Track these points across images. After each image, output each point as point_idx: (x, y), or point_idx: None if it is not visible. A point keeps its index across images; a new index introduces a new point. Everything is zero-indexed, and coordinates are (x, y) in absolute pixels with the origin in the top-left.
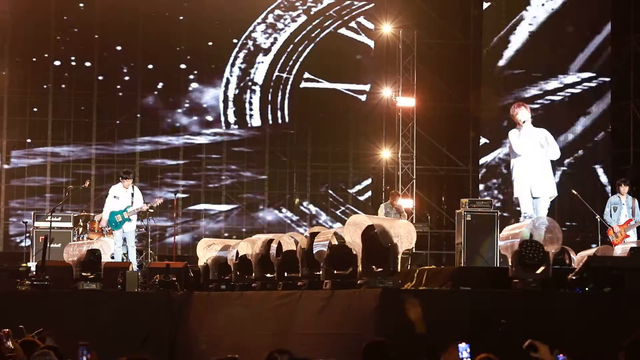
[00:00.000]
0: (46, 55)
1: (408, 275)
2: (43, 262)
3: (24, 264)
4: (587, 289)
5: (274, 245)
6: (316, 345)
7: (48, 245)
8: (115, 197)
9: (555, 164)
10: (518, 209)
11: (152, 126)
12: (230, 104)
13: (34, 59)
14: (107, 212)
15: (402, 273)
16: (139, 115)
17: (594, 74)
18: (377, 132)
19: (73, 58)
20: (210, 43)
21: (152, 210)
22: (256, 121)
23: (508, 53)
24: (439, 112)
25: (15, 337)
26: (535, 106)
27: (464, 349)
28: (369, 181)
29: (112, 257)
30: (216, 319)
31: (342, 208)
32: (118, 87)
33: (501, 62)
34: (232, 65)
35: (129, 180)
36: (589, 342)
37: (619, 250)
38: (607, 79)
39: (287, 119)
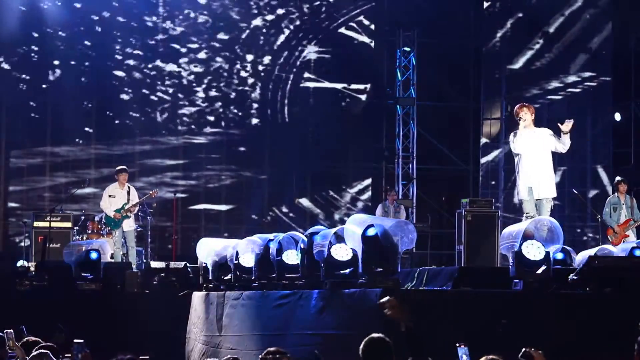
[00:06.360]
0: (46, 54)
1: (408, 275)
2: (42, 262)
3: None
4: (587, 288)
5: (273, 246)
6: (316, 345)
7: (47, 245)
8: (110, 196)
9: (555, 164)
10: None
11: (152, 126)
12: (230, 104)
13: (34, 59)
14: (106, 209)
15: (402, 273)
16: (138, 115)
17: (595, 74)
18: (377, 132)
19: (73, 58)
20: (210, 42)
21: (151, 210)
22: (256, 121)
23: (509, 53)
24: (439, 111)
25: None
26: (536, 106)
27: (463, 352)
28: (369, 181)
29: (112, 257)
30: (215, 319)
31: (342, 208)
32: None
33: (502, 62)
34: (232, 64)
35: (124, 175)
36: (588, 342)
37: (619, 250)
38: (608, 79)
39: (287, 119)
